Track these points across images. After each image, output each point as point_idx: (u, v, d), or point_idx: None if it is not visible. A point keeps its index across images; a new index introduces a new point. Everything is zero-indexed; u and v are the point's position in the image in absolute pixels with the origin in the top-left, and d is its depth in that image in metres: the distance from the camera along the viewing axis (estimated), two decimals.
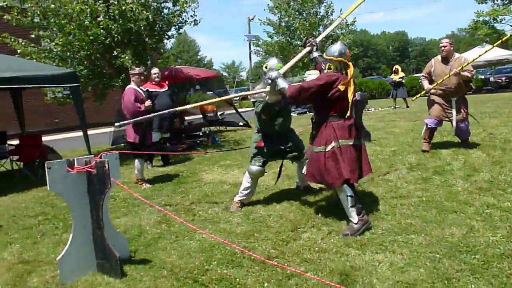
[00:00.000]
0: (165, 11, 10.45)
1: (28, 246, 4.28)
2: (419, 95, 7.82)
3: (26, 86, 7.87)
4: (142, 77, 6.86)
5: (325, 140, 4.02)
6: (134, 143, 6.46)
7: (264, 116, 4.75)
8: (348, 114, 4.00)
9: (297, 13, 22.95)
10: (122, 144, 10.58)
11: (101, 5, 8.92)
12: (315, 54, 4.68)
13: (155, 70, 8.12)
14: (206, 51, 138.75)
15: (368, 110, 15.82)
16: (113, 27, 9.03)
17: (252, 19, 34.62)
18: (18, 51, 9.48)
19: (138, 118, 5.67)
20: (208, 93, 25.70)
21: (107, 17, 9.03)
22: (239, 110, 16.05)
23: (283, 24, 23.32)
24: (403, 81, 17.17)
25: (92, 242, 3.48)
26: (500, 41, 6.92)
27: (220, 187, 6.05)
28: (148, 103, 6.55)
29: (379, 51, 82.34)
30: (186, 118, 13.41)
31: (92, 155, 3.57)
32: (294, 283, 3.03)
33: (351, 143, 3.99)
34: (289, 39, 21.67)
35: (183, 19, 10.55)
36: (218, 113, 14.43)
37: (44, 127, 18.59)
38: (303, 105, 18.24)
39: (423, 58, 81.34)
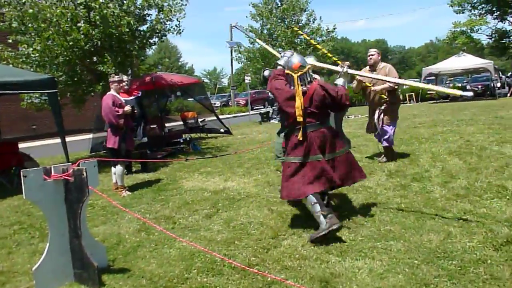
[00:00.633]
0: (148, 18, 10.37)
1: (3, 257, 4.16)
2: None
3: (1, 92, 7.70)
4: (122, 84, 6.96)
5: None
6: (114, 149, 6.44)
7: None
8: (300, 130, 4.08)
9: (279, 20, 23.15)
10: (102, 152, 10.45)
11: (82, 10, 8.82)
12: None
13: (124, 78, 8.08)
14: (190, 57, 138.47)
15: (348, 118, 16.01)
16: (94, 32, 8.94)
17: (234, 26, 34.77)
18: None
19: None
20: (189, 99, 25.71)
21: (88, 22, 8.94)
22: (220, 117, 16.03)
23: (265, 31, 23.48)
24: None
25: (69, 252, 3.41)
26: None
27: (201, 195, 6.02)
28: (127, 107, 6.55)
29: (360, 58, 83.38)
30: (167, 125, 13.31)
31: (70, 163, 3.52)
32: None
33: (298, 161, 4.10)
34: (272, 46, 22.08)
35: (166, 27, 10.51)
36: (199, 120, 14.38)
37: (21, 133, 18.24)
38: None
39: (403, 65, 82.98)
